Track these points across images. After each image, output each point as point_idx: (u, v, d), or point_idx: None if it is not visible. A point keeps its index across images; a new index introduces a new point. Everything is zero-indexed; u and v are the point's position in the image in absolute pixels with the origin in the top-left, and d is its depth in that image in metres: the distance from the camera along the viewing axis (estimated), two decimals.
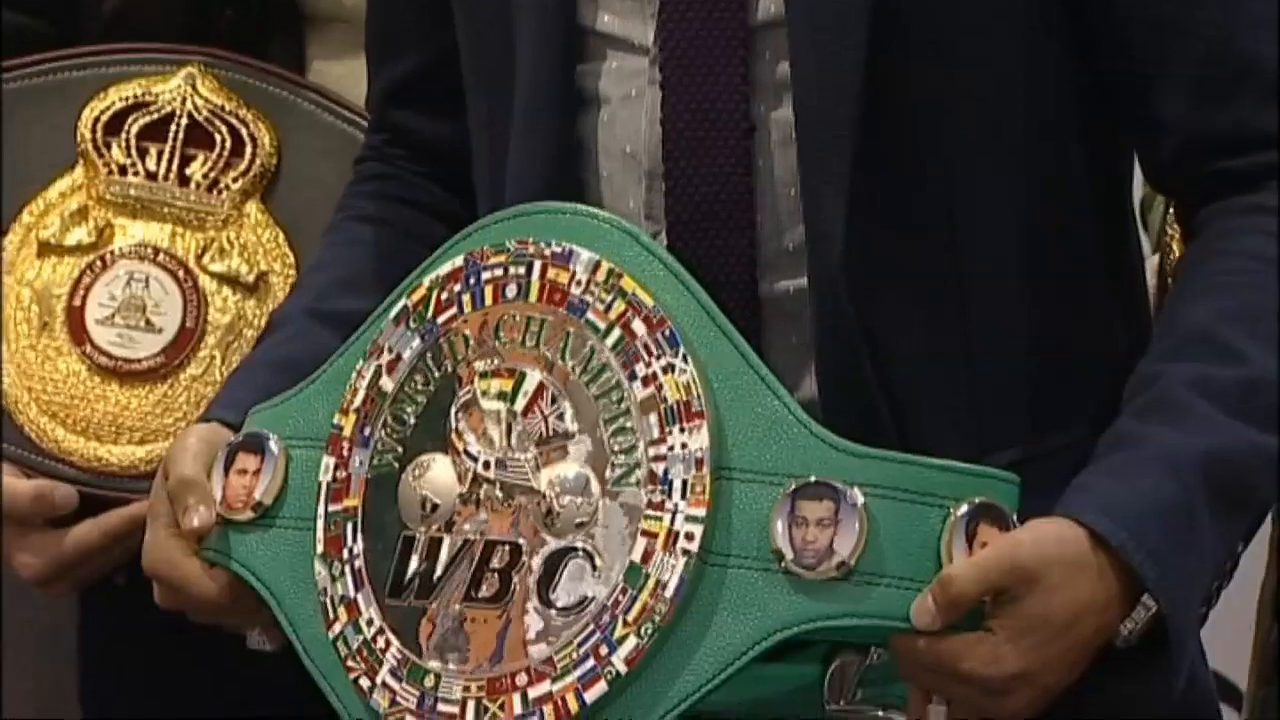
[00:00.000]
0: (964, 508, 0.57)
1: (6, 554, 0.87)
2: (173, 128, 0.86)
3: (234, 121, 0.87)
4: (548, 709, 0.56)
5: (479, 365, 0.61)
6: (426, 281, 0.63)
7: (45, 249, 0.87)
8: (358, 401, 0.64)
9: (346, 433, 0.64)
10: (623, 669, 0.56)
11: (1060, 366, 0.67)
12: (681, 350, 0.58)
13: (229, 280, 0.86)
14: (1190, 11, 0.64)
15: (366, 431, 0.63)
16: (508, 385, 0.60)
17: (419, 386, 0.63)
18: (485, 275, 0.62)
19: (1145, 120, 0.66)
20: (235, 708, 0.89)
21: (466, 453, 0.61)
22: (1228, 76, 0.65)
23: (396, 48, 0.79)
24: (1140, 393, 0.62)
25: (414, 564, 0.60)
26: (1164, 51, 0.65)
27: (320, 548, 0.62)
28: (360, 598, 0.61)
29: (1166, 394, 0.60)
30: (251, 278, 0.86)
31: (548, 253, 0.61)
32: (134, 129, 0.86)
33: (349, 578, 0.61)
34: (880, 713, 0.60)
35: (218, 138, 0.86)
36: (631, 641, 0.56)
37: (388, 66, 0.80)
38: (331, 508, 0.63)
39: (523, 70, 0.67)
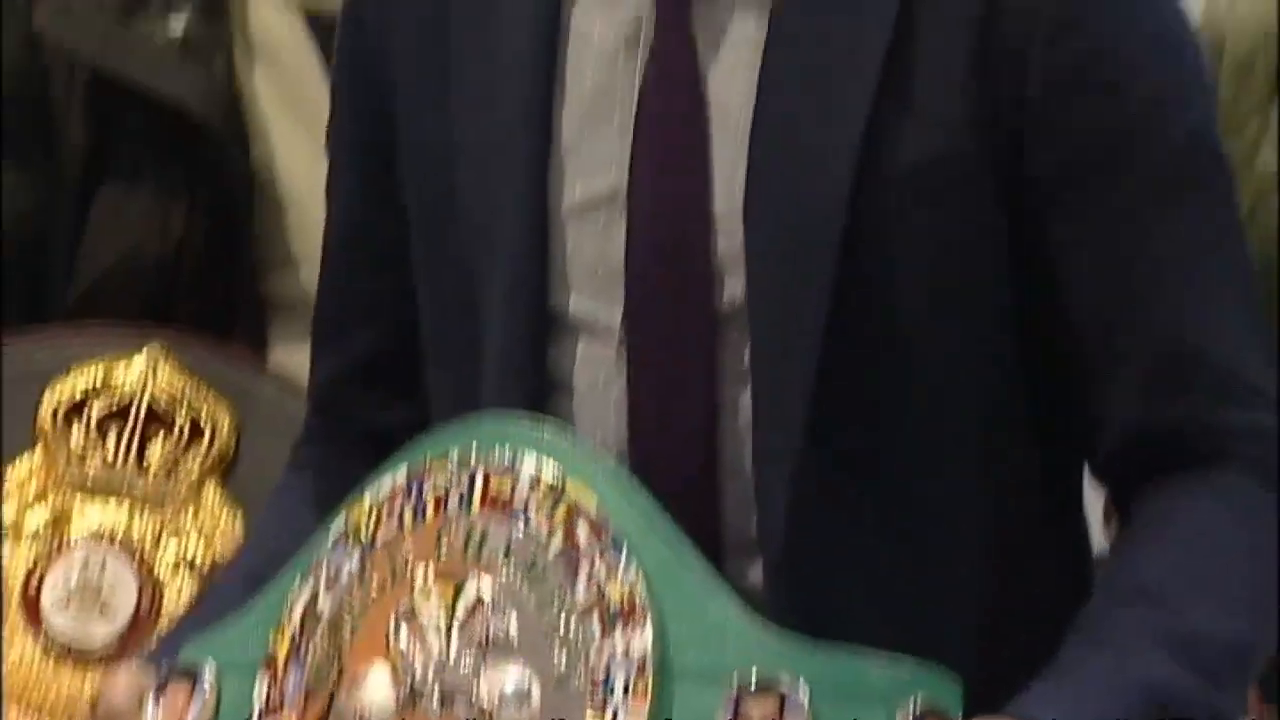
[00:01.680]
0: (910, 707, 0.57)
1: None
2: (133, 411, 0.87)
3: (193, 405, 0.88)
4: None
5: (419, 575, 0.61)
6: (367, 498, 0.63)
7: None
8: (294, 621, 0.63)
9: (282, 653, 0.62)
10: None
11: (1008, 645, 0.67)
12: (624, 554, 0.59)
13: (186, 564, 0.86)
14: (1143, 308, 0.66)
15: (302, 651, 0.62)
16: (449, 594, 0.60)
17: (357, 603, 0.62)
18: (427, 488, 0.61)
19: (1095, 413, 0.67)
20: None
21: (403, 663, 0.60)
22: (1180, 374, 0.66)
23: (352, 327, 0.76)
24: (1083, 630, 0.63)
25: None
26: (1115, 347, 0.66)
27: None
28: None
29: (1108, 634, 0.62)
30: (208, 562, 0.86)
31: (492, 462, 0.61)
32: (94, 414, 0.87)
33: None
34: None
35: (177, 421, 0.87)
36: None
37: (341, 347, 0.76)
38: None
39: (490, 353, 0.68)
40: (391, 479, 0.63)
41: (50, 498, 0.87)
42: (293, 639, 0.63)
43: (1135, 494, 0.68)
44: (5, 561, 0.85)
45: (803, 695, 0.57)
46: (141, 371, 0.88)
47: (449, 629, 0.61)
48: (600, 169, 0.66)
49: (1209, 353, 0.66)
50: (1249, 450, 0.65)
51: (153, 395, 0.87)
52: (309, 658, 0.63)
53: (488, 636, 0.60)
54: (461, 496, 0.62)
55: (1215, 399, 0.66)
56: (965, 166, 0.64)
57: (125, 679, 0.66)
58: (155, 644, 0.77)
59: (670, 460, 0.67)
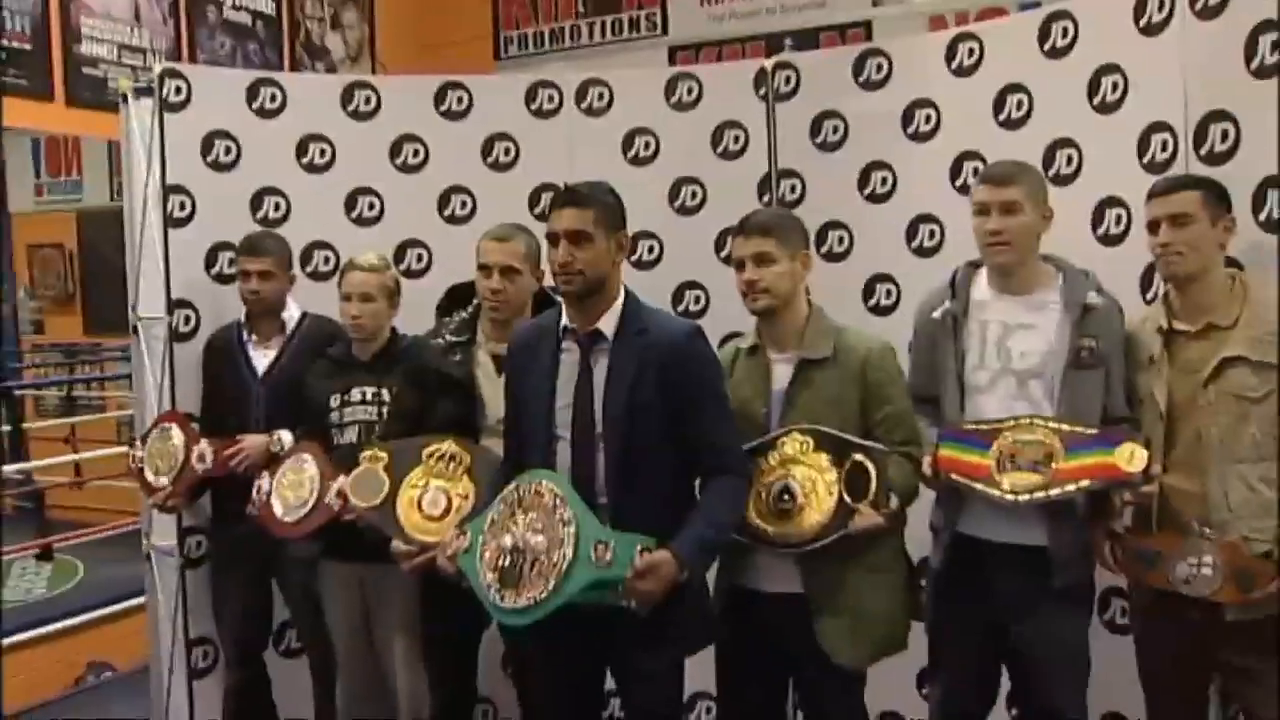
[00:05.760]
0: (641, 544, 2.53)
1: None
2: (450, 454, 3.07)
3: (467, 450, 3.08)
4: None
5: (519, 513, 2.60)
6: (509, 487, 2.67)
7: None
8: (490, 516, 2.65)
9: (487, 524, 2.74)
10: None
11: (676, 529, 2.78)
12: (569, 507, 2.52)
13: (462, 498, 3.06)
14: (703, 433, 2.67)
15: (494, 524, 2.73)
16: (525, 518, 2.63)
17: (503, 518, 2.64)
18: (523, 488, 2.64)
19: (699, 460, 2.75)
20: None
21: (515, 531, 2.59)
22: (715, 448, 2.69)
23: (509, 439, 2.89)
24: (688, 523, 2.62)
25: None
26: (699, 443, 2.67)
27: None
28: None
29: (693, 523, 2.60)
30: (471, 498, 3.05)
31: (538, 480, 2.68)
32: (447, 453, 3.07)
33: None
34: None
35: (463, 459, 3.08)
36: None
37: (507, 445, 2.90)
38: None
39: (533, 447, 2.73)
40: (515, 484, 2.66)
41: (425, 477, 3.05)
42: (492, 520, 2.68)
43: (703, 484, 2.75)
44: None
45: (612, 544, 2.49)
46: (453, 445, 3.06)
47: (523, 527, 2.56)
48: (565, 406, 2.70)
49: (720, 441, 2.71)
50: (734, 466, 2.74)
51: (455, 449, 3.05)
52: (493, 525, 2.65)
53: (531, 531, 2.56)
54: (530, 490, 2.62)
55: (722, 453, 2.72)
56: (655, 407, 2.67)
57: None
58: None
59: (585, 475, 2.63)
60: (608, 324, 2.68)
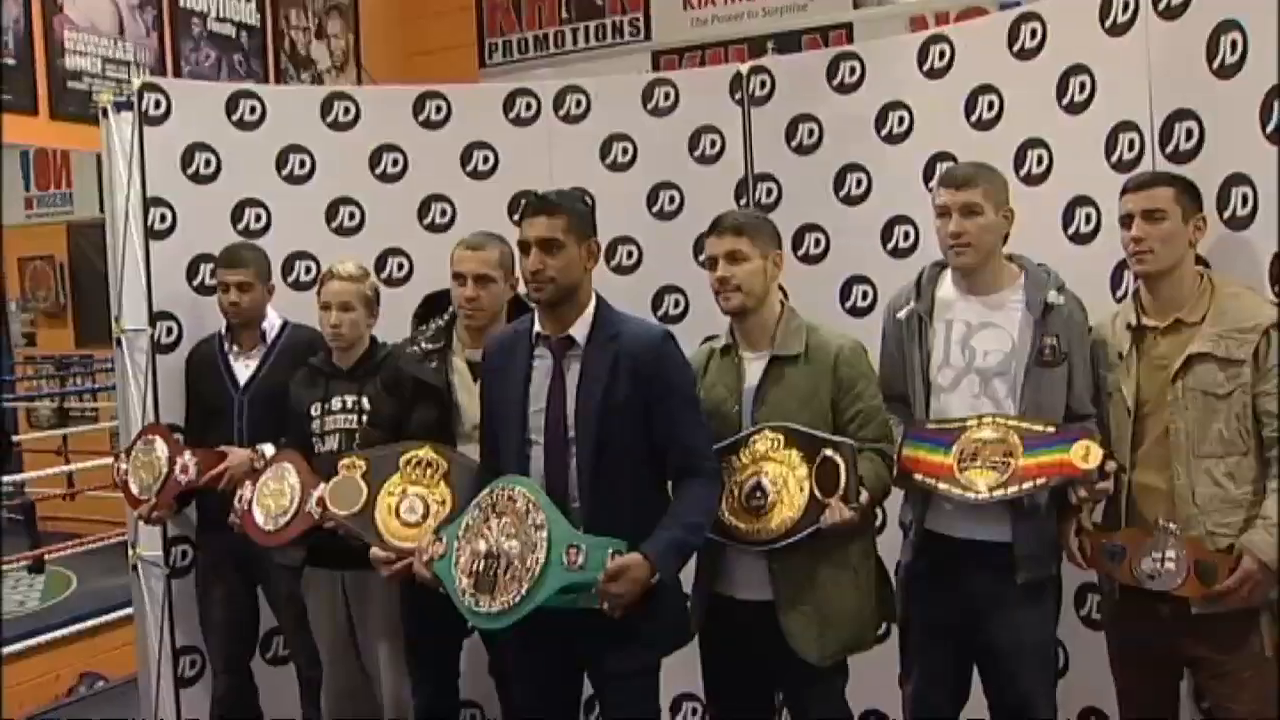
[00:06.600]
0: (613, 548, 2.54)
1: None
2: (431, 462, 3.10)
3: (444, 457, 3.10)
4: None
5: (494, 519, 2.62)
6: (483, 492, 2.69)
7: None
8: (465, 521, 2.71)
9: (461, 530, 2.75)
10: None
11: (649, 532, 2.82)
12: (541, 511, 2.53)
13: (440, 504, 3.09)
14: (673, 434, 2.70)
15: (468, 529, 2.74)
16: (500, 525, 2.61)
17: (477, 524, 2.67)
18: (497, 492, 2.67)
19: (668, 461, 2.74)
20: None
21: (491, 538, 2.62)
22: (685, 450, 2.71)
23: (486, 444, 2.93)
24: (662, 525, 2.64)
25: None
26: (670, 444, 2.70)
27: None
28: None
29: (666, 525, 2.63)
30: (448, 503, 3.08)
31: (513, 486, 2.71)
32: (425, 460, 3.11)
33: None
34: None
35: (442, 466, 3.10)
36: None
37: (483, 449, 2.96)
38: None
39: (509, 452, 2.78)
40: (490, 489, 2.71)
41: (403, 484, 3.08)
42: (466, 525, 2.71)
43: (675, 487, 2.77)
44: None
45: (584, 548, 2.54)
46: (430, 452, 3.09)
47: (496, 532, 2.60)
48: (538, 411, 2.74)
49: (692, 444, 2.75)
50: (705, 469, 2.77)
51: (432, 456, 3.08)
52: (468, 531, 2.69)
53: (505, 536, 2.61)
54: (503, 496, 2.65)
55: (694, 455, 2.76)
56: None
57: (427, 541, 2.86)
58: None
59: (558, 479, 2.68)
60: (580, 330, 2.71)
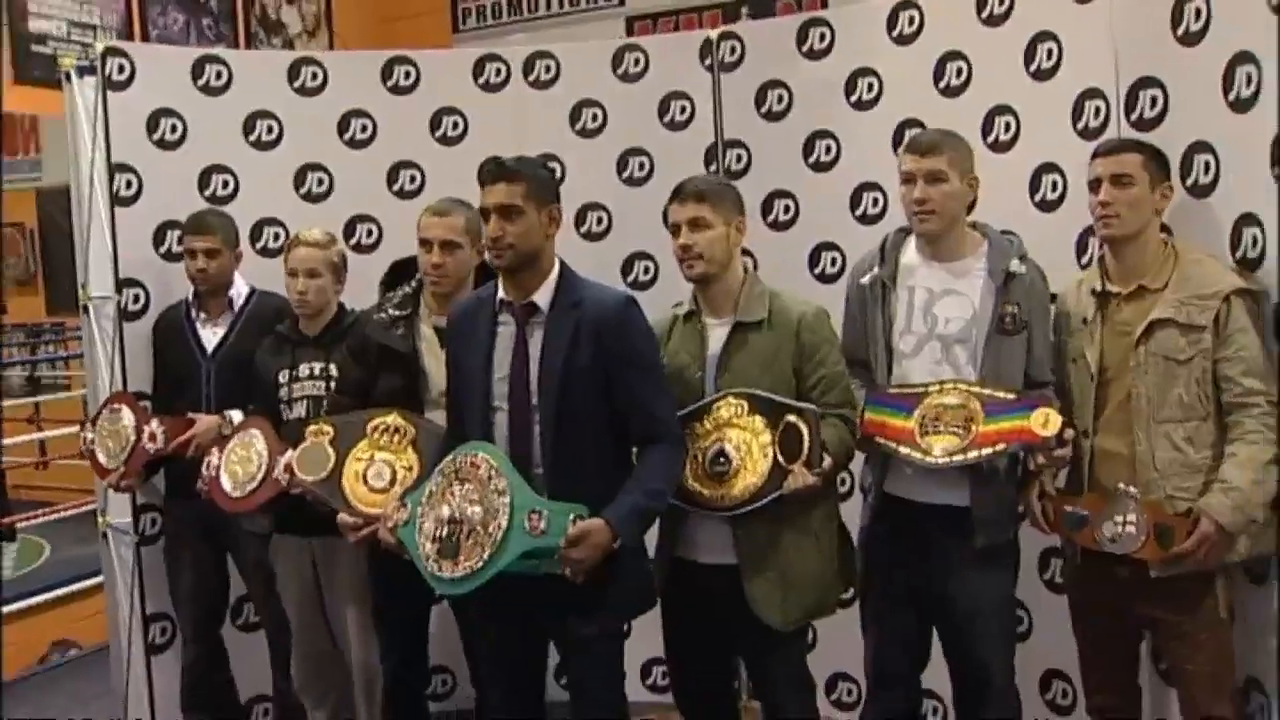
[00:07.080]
0: (575, 513, 2.54)
1: None
2: (397, 427, 3.10)
3: (411, 423, 3.10)
4: None
5: (456, 484, 2.61)
6: (447, 460, 2.67)
7: None
8: (429, 488, 2.66)
9: (425, 496, 2.76)
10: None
11: (612, 497, 2.83)
12: (503, 476, 2.53)
13: (406, 470, 3.09)
14: (635, 401, 2.70)
15: (431, 496, 2.70)
16: (463, 490, 2.63)
17: (440, 490, 2.66)
18: (460, 459, 2.66)
19: (630, 428, 2.74)
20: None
21: (453, 502, 2.63)
22: (646, 417, 2.71)
23: (452, 412, 2.93)
24: (624, 491, 2.65)
25: None
26: (632, 412, 2.69)
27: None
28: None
29: (629, 490, 2.64)
30: (416, 469, 3.08)
31: (477, 452, 2.71)
32: (392, 425, 3.10)
33: None
34: None
35: (408, 432, 3.10)
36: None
37: (449, 417, 2.96)
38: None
39: (474, 419, 2.77)
40: (453, 456, 2.70)
41: (370, 450, 3.08)
42: (430, 491, 2.70)
43: (639, 453, 2.78)
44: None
45: (546, 514, 2.56)
46: (398, 418, 3.09)
47: (459, 498, 2.62)
48: (502, 378, 2.74)
49: (655, 410, 2.75)
50: (668, 435, 2.77)
51: (399, 422, 3.08)
52: (431, 497, 2.69)
53: (468, 501, 2.60)
54: (466, 462, 2.65)
55: (657, 422, 2.76)
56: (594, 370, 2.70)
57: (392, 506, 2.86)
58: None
59: (522, 445, 2.68)
60: (543, 296, 2.71)
